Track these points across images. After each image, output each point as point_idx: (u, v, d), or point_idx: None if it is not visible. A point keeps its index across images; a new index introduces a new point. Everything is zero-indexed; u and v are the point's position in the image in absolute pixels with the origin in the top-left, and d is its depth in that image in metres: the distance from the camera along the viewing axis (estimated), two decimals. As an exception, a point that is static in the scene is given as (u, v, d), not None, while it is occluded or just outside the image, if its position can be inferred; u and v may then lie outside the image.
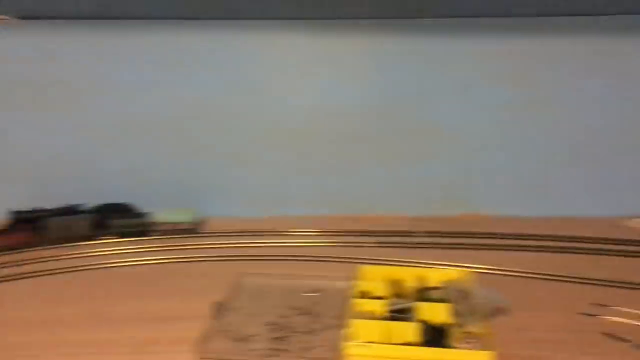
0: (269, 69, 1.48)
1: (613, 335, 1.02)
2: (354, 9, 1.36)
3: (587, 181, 1.52)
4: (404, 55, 1.45)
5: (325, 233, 1.48)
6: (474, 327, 1.00)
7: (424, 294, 1.11)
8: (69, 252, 1.39)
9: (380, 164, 1.54)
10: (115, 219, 1.47)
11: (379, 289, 1.12)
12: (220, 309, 1.10)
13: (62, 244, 1.43)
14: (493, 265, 1.28)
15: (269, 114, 1.51)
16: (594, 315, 1.09)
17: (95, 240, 1.45)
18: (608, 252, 1.36)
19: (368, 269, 1.18)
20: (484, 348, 0.95)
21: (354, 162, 1.54)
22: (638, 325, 1.05)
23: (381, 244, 1.42)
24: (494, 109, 1.48)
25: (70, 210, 1.49)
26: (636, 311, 1.09)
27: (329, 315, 1.09)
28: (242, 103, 1.50)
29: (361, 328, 1.00)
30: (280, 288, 1.18)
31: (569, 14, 1.37)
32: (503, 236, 1.43)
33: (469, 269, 1.19)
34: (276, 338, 1.02)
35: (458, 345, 0.97)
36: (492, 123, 1.50)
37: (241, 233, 1.48)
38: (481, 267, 1.27)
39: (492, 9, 1.36)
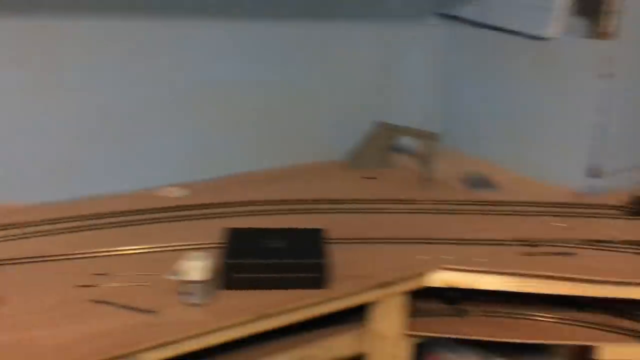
0: None
1: (102, 301, 1.07)
2: None
3: (113, 159, 1.55)
4: None
5: None
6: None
7: None
8: None
9: None
10: None
11: None
12: None
13: None
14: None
15: None
16: (90, 286, 1.12)
17: None
18: (143, 222, 1.41)
19: None
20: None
21: None
22: (131, 286, 1.13)
23: None
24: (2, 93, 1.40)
25: None
26: (129, 273, 1.17)
27: None
28: None
29: None
30: None
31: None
32: (20, 225, 1.36)
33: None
34: None
35: None
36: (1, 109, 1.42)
37: None
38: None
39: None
